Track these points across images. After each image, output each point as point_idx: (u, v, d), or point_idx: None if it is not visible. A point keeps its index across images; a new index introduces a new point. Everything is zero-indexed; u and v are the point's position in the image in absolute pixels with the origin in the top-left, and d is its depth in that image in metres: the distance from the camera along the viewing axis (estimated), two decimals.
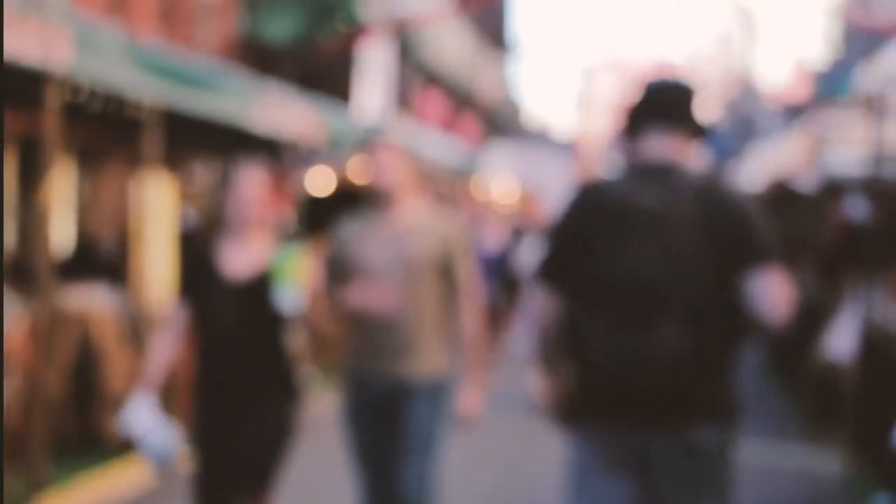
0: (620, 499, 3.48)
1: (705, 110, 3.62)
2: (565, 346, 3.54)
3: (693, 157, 3.55)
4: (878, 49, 12.00)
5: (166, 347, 4.65)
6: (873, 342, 7.41)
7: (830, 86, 17.72)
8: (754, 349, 13.47)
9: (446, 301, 4.76)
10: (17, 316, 6.91)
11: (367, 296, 4.68)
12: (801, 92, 26.68)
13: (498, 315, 10.27)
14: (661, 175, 3.45)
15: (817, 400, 9.11)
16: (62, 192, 9.28)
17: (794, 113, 24.04)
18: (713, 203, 3.41)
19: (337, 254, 4.81)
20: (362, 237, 4.77)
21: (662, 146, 3.49)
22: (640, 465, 3.46)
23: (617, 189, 3.46)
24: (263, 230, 4.66)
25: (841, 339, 8.64)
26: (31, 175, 8.21)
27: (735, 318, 3.45)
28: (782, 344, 11.39)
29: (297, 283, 4.60)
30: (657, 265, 3.38)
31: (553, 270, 3.53)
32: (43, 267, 6.50)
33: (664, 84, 3.59)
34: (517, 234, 11.46)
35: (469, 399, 4.82)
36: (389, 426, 4.75)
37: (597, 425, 3.48)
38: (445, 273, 4.73)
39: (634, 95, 3.59)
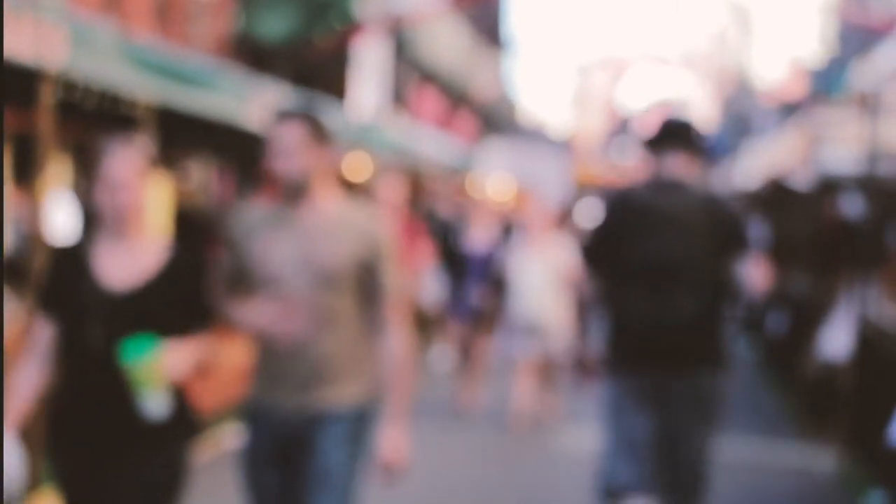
0: (644, 427, 4.69)
1: (704, 137, 4.94)
2: (604, 313, 4.79)
3: (696, 172, 4.85)
4: (873, 47, 12.02)
5: (31, 376, 3.63)
6: (868, 340, 7.42)
7: (825, 83, 17.73)
8: (749, 347, 13.47)
9: (368, 315, 3.84)
10: (12, 314, 6.90)
11: (268, 315, 3.74)
12: (796, 89, 26.67)
13: (484, 318, 9.92)
14: (674, 188, 4.76)
15: (812, 398, 9.12)
16: (57, 189, 9.26)
17: (789, 110, 24.03)
18: (711, 208, 4.75)
19: (234, 256, 3.86)
20: (264, 236, 3.81)
21: (675, 165, 4.79)
22: (660, 401, 4.69)
23: (642, 196, 4.79)
24: (146, 227, 3.70)
25: (836, 337, 8.65)
26: (26, 173, 8.20)
27: (727, 290, 4.77)
28: (777, 341, 11.40)
29: (163, 385, 3.54)
30: (673, 252, 4.65)
31: (595, 255, 4.83)
32: (37, 265, 6.50)
33: (676, 120, 4.98)
34: (507, 231, 11.10)
35: (391, 442, 3.81)
36: (296, 471, 3.82)
37: (628, 371, 4.72)
38: (367, 281, 3.81)
39: (654, 127, 4.92)
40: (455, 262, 10.16)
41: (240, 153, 11.37)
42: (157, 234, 3.76)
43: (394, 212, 9.87)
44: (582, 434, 8.43)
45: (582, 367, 4.97)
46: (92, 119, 8.37)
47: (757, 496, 7.24)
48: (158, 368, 3.51)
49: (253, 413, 3.86)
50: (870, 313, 7.65)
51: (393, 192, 10.29)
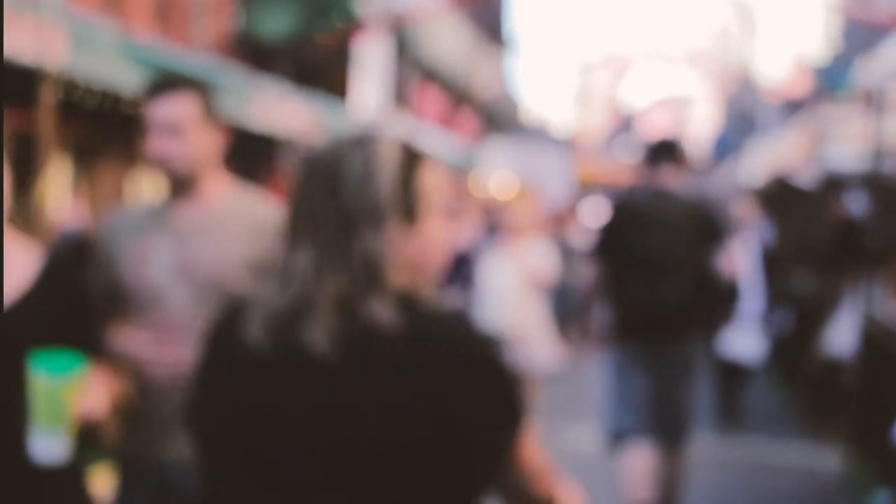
0: (640, 385, 5.76)
1: (690, 154, 6.26)
2: (609, 296, 5.89)
3: (682, 181, 6.01)
4: (878, 44, 11.98)
5: None
6: (873, 338, 7.40)
7: (830, 81, 17.70)
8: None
9: None
10: None
11: (141, 342, 2.98)
12: (800, 87, 26.63)
13: None
14: (663, 195, 5.88)
15: (817, 396, 9.11)
16: (58, 189, 9.26)
17: (793, 108, 24.01)
18: (693, 212, 5.88)
19: (102, 271, 3.06)
20: (136, 242, 3.06)
21: (666, 175, 5.91)
22: (653, 365, 5.77)
23: (639, 201, 5.92)
24: (17, 232, 2.79)
25: (840, 335, 8.64)
26: (27, 172, 8.19)
27: (707, 277, 5.91)
28: (782, 340, 11.37)
29: (68, 420, 2.57)
30: (662, 248, 5.74)
31: (603, 249, 5.90)
32: None
33: (667, 140, 6.14)
34: (492, 230, 10.37)
35: None
36: None
37: (628, 342, 5.82)
38: None
39: (652, 144, 6.09)
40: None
41: (241, 152, 11.38)
42: (27, 239, 2.86)
43: None
44: (582, 434, 8.41)
45: (591, 335, 6.20)
46: (93, 119, 8.37)
47: (761, 495, 7.25)
48: (70, 397, 2.58)
49: (125, 467, 3.08)
50: (875, 311, 7.63)
51: None
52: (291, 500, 1.79)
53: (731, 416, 9.26)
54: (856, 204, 9.70)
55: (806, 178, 10.76)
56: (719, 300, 7.64)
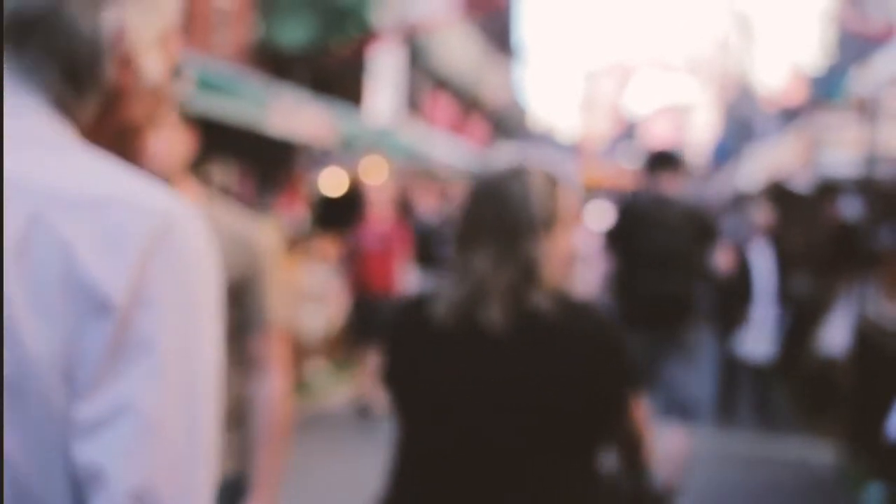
0: (644, 368, 6.19)
1: (689, 162, 6.91)
2: (618, 288, 6.46)
3: (680, 188, 6.57)
4: (871, 53, 12.14)
5: None
6: (866, 337, 7.48)
7: (825, 89, 17.89)
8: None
9: (241, 351, 2.89)
10: None
11: None
12: (796, 95, 26.75)
13: None
14: (664, 201, 6.46)
15: (812, 393, 9.19)
16: None
17: (790, 115, 24.19)
18: (690, 216, 6.46)
19: None
20: None
21: (665, 183, 6.48)
22: (655, 349, 6.30)
23: (642, 205, 6.49)
24: None
25: (835, 334, 8.75)
26: None
27: (702, 272, 6.61)
28: (779, 339, 11.56)
29: None
30: (663, 247, 6.32)
31: (613, 242, 6.48)
32: None
33: (665, 151, 6.72)
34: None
35: None
36: None
37: (635, 328, 6.26)
38: (241, 306, 2.86)
39: (652, 154, 6.67)
40: (434, 264, 10.03)
41: (260, 157, 11.62)
42: None
43: (380, 212, 9.65)
44: None
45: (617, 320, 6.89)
46: None
47: (757, 489, 7.29)
48: None
49: None
50: (868, 311, 7.64)
51: (379, 192, 9.85)
52: (469, 443, 2.31)
53: (762, 413, 9.40)
54: (850, 208, 9.83)
55: (802, 182, 10.92)
56: (729, 299, 8.72)
